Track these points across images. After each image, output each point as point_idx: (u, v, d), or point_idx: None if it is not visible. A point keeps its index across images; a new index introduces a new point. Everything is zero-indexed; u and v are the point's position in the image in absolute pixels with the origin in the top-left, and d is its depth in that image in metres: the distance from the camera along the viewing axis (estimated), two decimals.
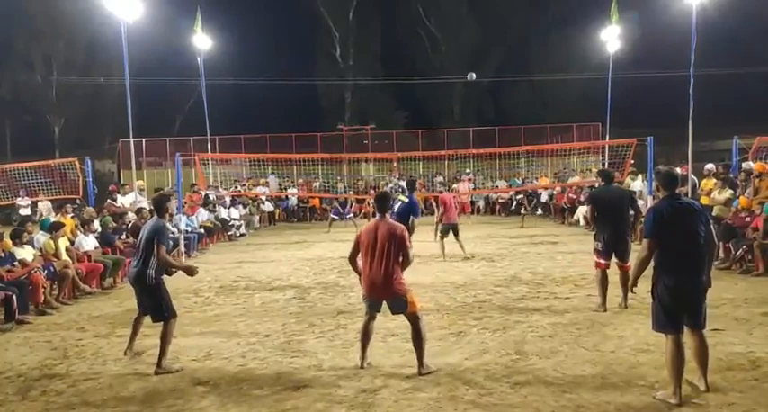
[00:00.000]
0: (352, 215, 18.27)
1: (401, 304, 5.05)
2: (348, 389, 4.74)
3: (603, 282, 6.95)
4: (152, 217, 5.94)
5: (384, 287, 5.02)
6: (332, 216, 17.99)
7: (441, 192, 14.64)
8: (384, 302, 5.12)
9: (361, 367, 5.15)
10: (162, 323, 5.40)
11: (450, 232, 11.31)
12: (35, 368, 5.54)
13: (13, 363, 5.71)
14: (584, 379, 4.77)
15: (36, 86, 31.35)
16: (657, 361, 4.88)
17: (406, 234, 5.16)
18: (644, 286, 4.62)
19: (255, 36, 33.76)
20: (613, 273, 7.01)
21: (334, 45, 36.70)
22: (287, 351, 5.79)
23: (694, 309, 4.38)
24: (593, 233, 7.33)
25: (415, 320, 5.08)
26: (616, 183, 8.74)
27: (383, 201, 5.23)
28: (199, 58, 19.81)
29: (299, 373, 5.14)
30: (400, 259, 5.04)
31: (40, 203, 17.09)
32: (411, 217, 8.79)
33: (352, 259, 5.28)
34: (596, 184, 12.00)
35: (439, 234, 11.47)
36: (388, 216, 5.20)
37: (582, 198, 16.36)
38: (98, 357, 5.81)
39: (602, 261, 6.99)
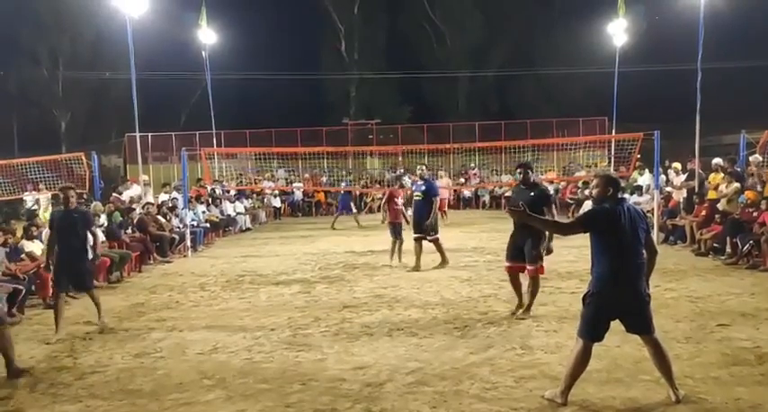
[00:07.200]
0: (355, 210, 18.08)
1: None
2: (353, 382, 4.75)
3: None
4: None
5: None
6: (353, 211, 17.77)
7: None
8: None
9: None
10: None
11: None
12: (43, 361, 5.58)
13: (21, 356, 5.70)
14: (589, 373, 4.74)
15: (42, 81, 31.36)
16: None
17: None
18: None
19: (260, 30, 33.63)
20: None
21: (339, 39, 36.62)
22: (292, 345, 5.81)
23: None
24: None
25: None
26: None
27: None
28: (204, 53, 19.84)
29: (305, 367, 5.16)
30: None
31: (41, 196, 16.95)
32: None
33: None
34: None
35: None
36: None
37: (587, 193, 16.23)
38: (105, 350, 5.84)
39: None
